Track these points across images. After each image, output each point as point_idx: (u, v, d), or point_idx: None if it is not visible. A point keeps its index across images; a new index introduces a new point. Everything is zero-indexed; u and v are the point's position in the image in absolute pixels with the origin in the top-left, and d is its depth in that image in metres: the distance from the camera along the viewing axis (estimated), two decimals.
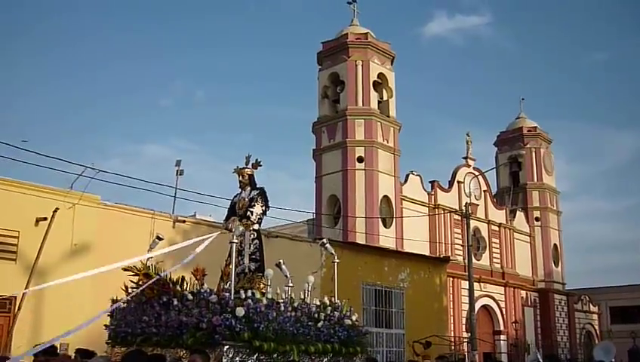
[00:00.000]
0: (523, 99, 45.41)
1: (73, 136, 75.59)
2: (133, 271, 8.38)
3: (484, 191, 36.48)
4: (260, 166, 9.82)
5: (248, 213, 9.38)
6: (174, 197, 17.26)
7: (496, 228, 36.57)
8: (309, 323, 8.36)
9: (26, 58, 70.25)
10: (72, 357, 8.28)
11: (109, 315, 8.75)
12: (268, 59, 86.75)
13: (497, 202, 38.50)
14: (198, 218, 20.56)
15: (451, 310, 29.33)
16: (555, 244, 41.46)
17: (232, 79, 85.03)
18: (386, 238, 28.38)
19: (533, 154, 41.87)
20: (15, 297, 13.55)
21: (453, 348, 23.88)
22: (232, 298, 7.56)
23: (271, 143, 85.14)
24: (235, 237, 8.19)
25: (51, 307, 13.09)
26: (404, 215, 30.18)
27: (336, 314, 8.88)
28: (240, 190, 9.78)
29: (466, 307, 28.23)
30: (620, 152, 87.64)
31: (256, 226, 9.46)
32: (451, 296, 29.86)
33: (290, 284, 8.96)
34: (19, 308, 13.06)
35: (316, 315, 8.53)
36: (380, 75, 31.93)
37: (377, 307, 20.69)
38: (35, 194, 13.99)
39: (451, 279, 29.67)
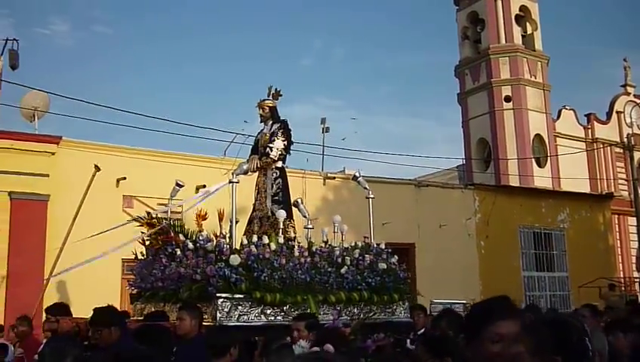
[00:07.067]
0: None
1: (223, 105, 79.06)
2: (139, 222, 7.99)
3: None
4: (281, 96, 8.74)
5: (267, 149, 8.35)
6: (322, 154, 17.63)
7: None
8: (329, 269, 7.36)
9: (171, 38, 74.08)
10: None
11: (131, 271, 8.35)
12: (401, 6, 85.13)
13: None
14: (347, 173, 20.79)
15: (619, 249, 27.75)
16: None
17: (367, 33, 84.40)
18: (541, 178, 27.26)
19: None
20: None
21: (623, 289, 22.69)
22: (229, 245, 6.86)
23: (414, 92, 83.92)
24: (235, 176, 7.50)
25: None
26: (560, 152, 28.80)
27: (368, 257, 7.78)
28: (262, 125, 8.81)
29: (635, 245, 26.64)
30: None
31: (279, 164, 8.44)
32: (617, 234, 28.19)
33: (310, 226, 8.10)
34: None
35: (339, 260, 7.54)
36: (523, 8, 30.22)
37: (537, 250, 20.00)
38: (192, 163, 14.82)
39: (616, 216, 27.90)
